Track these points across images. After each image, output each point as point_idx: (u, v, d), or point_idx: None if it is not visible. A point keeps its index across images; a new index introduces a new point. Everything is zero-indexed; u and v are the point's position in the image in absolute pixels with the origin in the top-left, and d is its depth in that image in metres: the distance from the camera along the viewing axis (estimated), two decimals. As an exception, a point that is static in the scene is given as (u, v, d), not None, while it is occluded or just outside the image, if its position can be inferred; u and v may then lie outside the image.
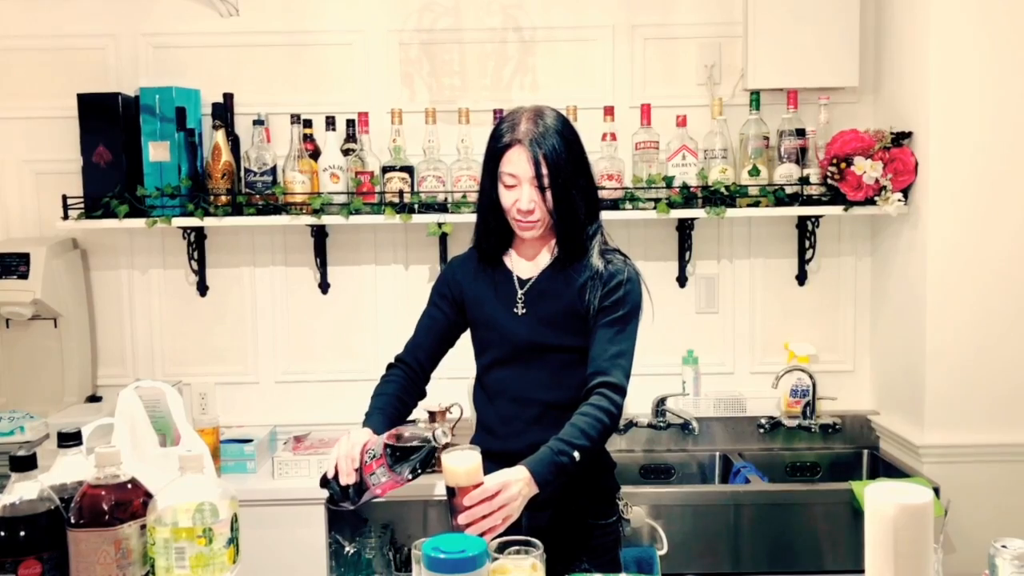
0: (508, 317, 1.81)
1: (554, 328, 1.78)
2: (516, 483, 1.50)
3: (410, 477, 1.56)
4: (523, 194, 1.73)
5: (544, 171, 1.70)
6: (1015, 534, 1.29)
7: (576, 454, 1.59)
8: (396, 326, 1.93)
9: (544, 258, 1.84)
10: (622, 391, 1.70)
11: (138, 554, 1.23)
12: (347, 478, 1.58)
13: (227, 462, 2.48)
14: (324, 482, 1.65)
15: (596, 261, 1.78)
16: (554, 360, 1.79)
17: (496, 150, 1.75)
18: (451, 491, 1.48)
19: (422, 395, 1.90)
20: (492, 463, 1.56)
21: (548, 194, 1.72)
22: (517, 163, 1.72)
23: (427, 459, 1.53)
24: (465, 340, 1.92)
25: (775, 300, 2.88)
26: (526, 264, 1.85)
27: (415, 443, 1.53)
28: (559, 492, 1.61)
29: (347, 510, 1.65)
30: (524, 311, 1.80)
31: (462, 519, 1.45)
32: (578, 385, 1.73)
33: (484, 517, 1.45)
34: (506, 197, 1.76)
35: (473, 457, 1.47)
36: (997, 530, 1.41)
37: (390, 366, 1.89)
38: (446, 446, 1.51)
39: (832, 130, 2.65)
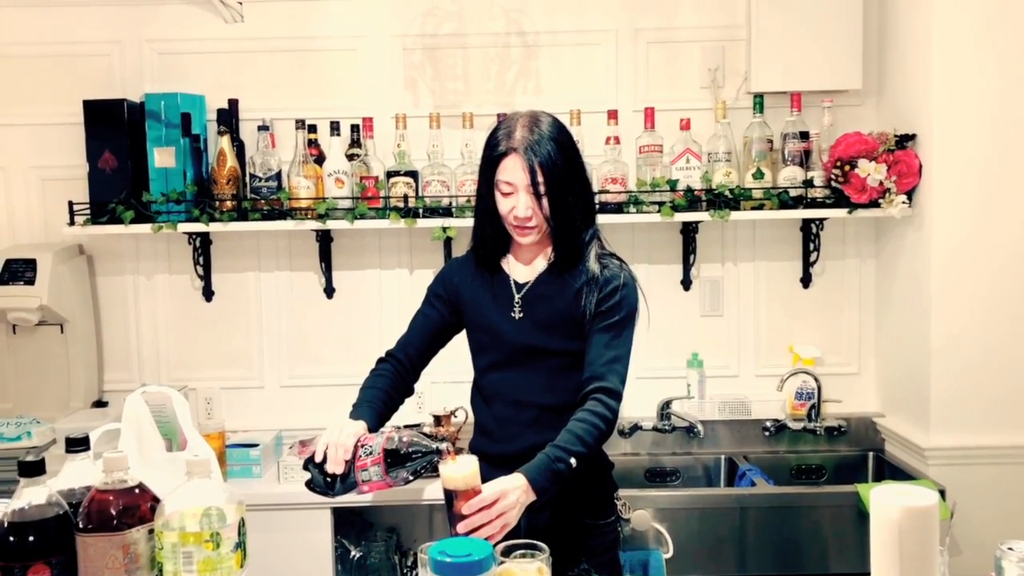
0: (505, 321, 1.82)
1: (550, 332, 1.79)
2: (514, 491, 1.52)
3: (404, 481, 1.57)
4: (519, 201, 1.73)
5: (540, 179, 1.71)
6: (1022, 536, 1.29)
7: (573, 461, 1.61)
8: (401, 330, 1.94)
9: (541, 263, 1.85)
10: (618, 396, 1.71)
11: (146, 559, 1.24)
12: (335, 467, 1.59)
13: (233, 467, 2.48)
14: (306, 465, 1.66)
15: (592, 266, 1.79)
16: (550, 364, 1.80)
17: (492, 158, 1.76)
18: (449, 498, 1.49)
19: (410, 392, 1.91)
20: (489, 466, 1.58)
21: (544, 201, 1.73)
22: (513, 171, 1.73)
23: (425, 468, 1.54)
24: (466, 344, 1.93)
25: (779, 303, 2.88)
26: (523, 268, 1.86)
27: (416, 451, 1.54)
28: (557, 494, 1.63)
29: (324, 497, 1.65)
30: (521, 315, 1.81)
31: (461, 527, 1.47)
32: (574, 388, 1.74)
33: (483, 525, 1.47)
34: (503, 204, 1.76)
35: (471, 463, 1.49)
36: (1003, 532, 1.41)
37: (380, 360, 1.90)
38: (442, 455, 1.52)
39: (836, 133, 2.65)
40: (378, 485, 1.58)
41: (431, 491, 2.36)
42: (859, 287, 2.87)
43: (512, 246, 1.87)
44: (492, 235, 1.84)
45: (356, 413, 1.73)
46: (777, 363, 2.86)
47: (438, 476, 1.50)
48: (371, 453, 1.56)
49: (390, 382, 1.85)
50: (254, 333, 2.89)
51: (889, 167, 2.53)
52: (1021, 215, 2.45)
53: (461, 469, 1.47)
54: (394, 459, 1.55)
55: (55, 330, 2.70)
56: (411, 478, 1.57)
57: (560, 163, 1.72)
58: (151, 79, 2.81)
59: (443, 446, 1.51)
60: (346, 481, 1.60)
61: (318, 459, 1.62)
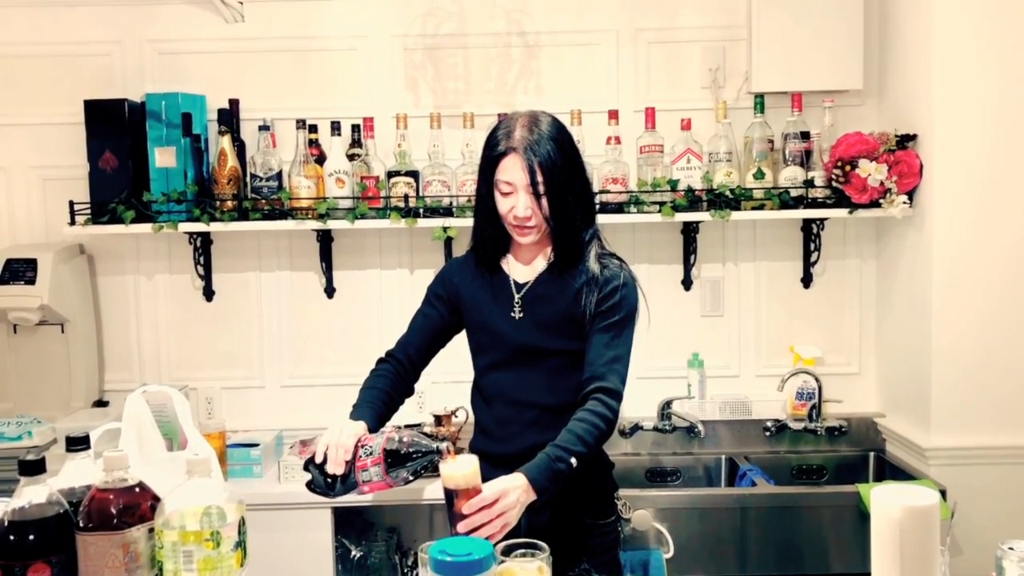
0: (505, 321, 1.82)
1: (550, 332, 1.79)
2: (514, 491, 1.52)
3: (405, 481, 1.57)
4: (519, 201, 1.74)
5: (539, 179, 1.71)
6: (1022, 536, 1.29)
7: (573, 460, 1.61)
8: (401, 330, 1.94)
9: (540, 263, 1.85)
10: (618, 396, 1.71)
11: (146, 558, 1.24)
12: (336, 468, 1.59)
13: (234, 466, 2.49)
14: (307, 466, 1.66)
15: (592, 266, 1.79)
16: (550, 364, 1.80)
17: (492, 158, 1.76)
18: (449, 497, 1.49)
19: (410, 392, 1.91)
20: (489, 465, 1.58)
21: (544, 200, 1.73)
22: (512, 171, 1.73)
23: (425, 468, 1.54)
24: (466, 344, 1.93)
25: (780, 303, 2.88)
26: (523, 268, 1.86)
27: (416, 450, 1.54)
28: (557, 493, 1.63)
29: (324, 497, 1.66)
30: (521, 315, 1.81)
31: (461, 527, 1.47)
32: (574, 388, 1.74)
33: (483, 525, 1.47)
34: (502, 204, 1.77)
35: (471, 461, 1.49)
36: (1004, 532, 1.41)
37: (380, 361, 1.91)
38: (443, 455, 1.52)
39: (837, 133, 2.65)
40: (378, 485, 1.58)
41: (431, 491, 2.36)
42: (860, 287, 2.87)
43: (512, 246, 1.87)
44: (492, 235, 1.84)
45: (356, 413, 1.74)
46: (778, 363, 2.86)
47: (438, 476, 1.50)
48: (371, 453, 1.57)
49: (390, 382, 1.85)
50: (254, 333, 2.89)
51: (890, 167, 2.53)
52: (1022, 215, 2.45)
53: (461, 468, 1.47)
54: (394, 459, 1.55)
55: (56, 330, 2.70)
56: (411, 478, 1.57)
57: (560, 163, 1.73)
58: (152, 79, 2.81)
59: (443, 446, 1.51)
60: (346, 481, 1.60)
61: (318, 460, 1.62)
